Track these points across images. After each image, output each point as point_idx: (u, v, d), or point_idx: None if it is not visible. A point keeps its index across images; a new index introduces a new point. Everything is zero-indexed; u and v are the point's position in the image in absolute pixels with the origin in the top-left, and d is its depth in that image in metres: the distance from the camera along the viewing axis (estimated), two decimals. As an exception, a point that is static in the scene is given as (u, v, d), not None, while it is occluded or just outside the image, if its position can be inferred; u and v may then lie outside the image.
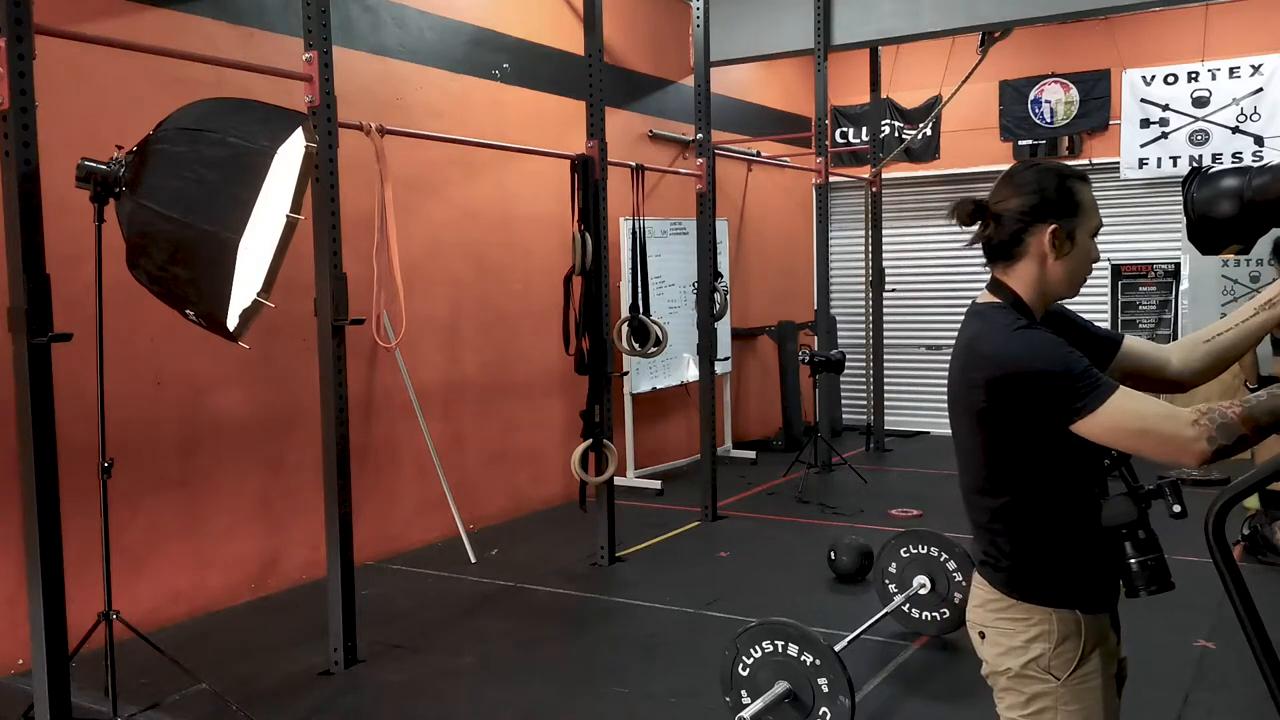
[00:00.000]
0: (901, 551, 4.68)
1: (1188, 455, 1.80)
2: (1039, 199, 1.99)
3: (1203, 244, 2.12)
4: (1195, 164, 9.01)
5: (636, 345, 6.56)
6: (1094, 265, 2.06)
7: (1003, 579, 2.04)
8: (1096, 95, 9.54)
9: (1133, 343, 2.16)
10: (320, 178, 4.34)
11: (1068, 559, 2.01)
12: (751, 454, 9.29)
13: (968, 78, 8.35)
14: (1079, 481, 1.98)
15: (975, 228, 2.06)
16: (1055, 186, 1.99)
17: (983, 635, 2.10)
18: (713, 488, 7.04)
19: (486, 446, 6.99)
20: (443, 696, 4.22)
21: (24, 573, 3.53)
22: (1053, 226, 1.98)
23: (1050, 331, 1.97)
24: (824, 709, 3.41)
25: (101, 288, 3.57)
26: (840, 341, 9.80)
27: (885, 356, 9.80)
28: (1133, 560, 1.93)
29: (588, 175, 5.79)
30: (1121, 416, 1.83)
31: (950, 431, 2.12)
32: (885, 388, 9.84)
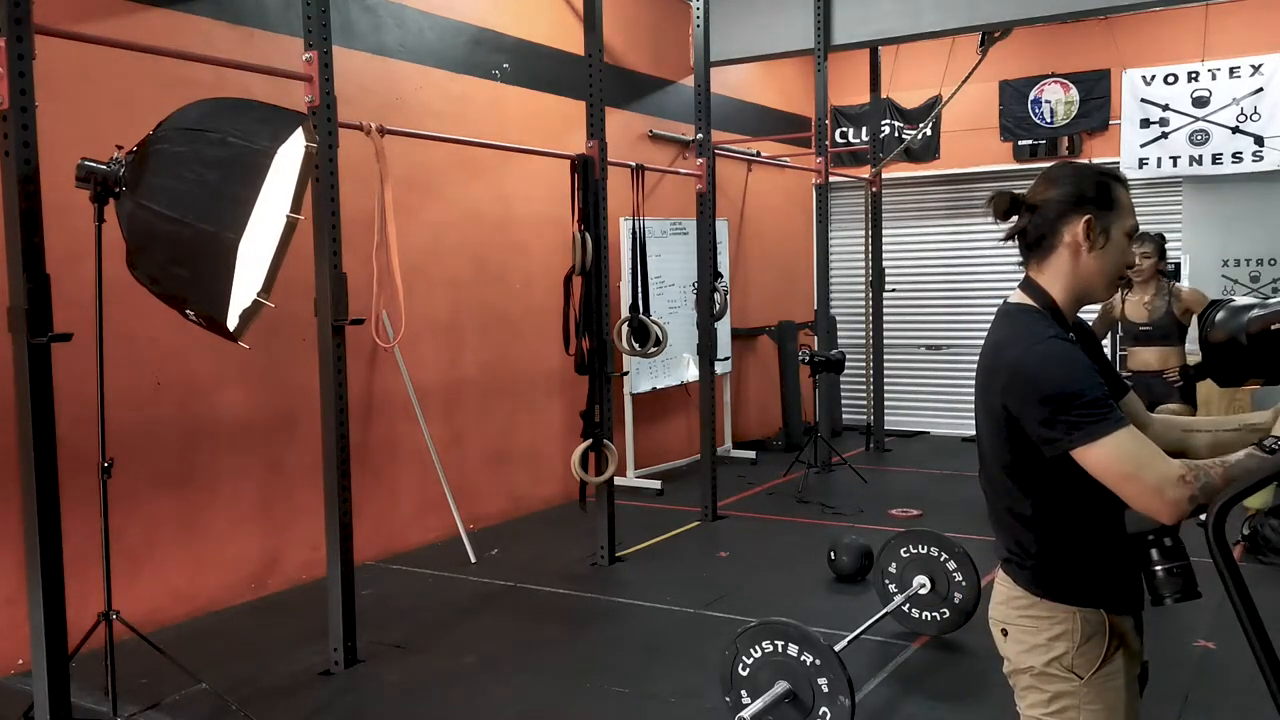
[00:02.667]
0: (901, 551, 4.69)
1: (1165, 509, 1.81)
2: (1076, 191, 2.01)
3: (1221, 376, 2.07)
4: (1195, 163, 9.02)
5: (636, 345, 6.56)
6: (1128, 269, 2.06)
7: (1027, 576, 2.04)
8: (1096, 95, 9.54)
9: (1132, 396, 2.17)
10: (320, 178, 4.34)
11: (1093, 558, 2.00)
12: (751, 454, 9.29)
13: (968, 78, 8.35)
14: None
15: (1009, 224, 2.08)
16: (1093, 182, 2.01)
17: (1005, 632, 2.09)
18: (713, 488, 7.04)
19: (486, 446, 6.99)
20: (443, 696, 4.22)
21: (24, 573, 3.53)
22: (1087, 216, 1.99)
23: (1079, 347, 1.96)
24: (824, 709, 3.41)
25: (101, 288, 3.57)
26: (840, 341, 9.79)
27: (885, 356, 9.78)
28: (1159, 567, 1.92)
29: (588, 175, 5.79)
30: (1118, 455, 1.83)
31: (975, 431, 2.13)
32: (885, 388, 9.82)
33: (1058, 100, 9.72)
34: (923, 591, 4.61)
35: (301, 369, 5.38)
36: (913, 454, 9.40)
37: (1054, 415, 1.87)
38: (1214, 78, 8.95)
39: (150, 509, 5.00)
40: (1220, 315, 2.04)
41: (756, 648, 3.52)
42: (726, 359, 9.01)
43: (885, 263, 9.63)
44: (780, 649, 3.48)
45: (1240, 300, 2.07)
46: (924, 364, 10.56)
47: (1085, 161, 2.09)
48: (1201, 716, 3.89)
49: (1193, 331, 5.33)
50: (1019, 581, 2.05)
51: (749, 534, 6.76)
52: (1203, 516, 1.82)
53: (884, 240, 9.71)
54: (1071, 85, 9.64)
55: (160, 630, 4.80)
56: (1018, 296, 2.08)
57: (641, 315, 6.54)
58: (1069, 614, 1.98)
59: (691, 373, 8.45)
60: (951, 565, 4.55)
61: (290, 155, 3.52)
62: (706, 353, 6.95)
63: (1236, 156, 8.89)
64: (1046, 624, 2.00)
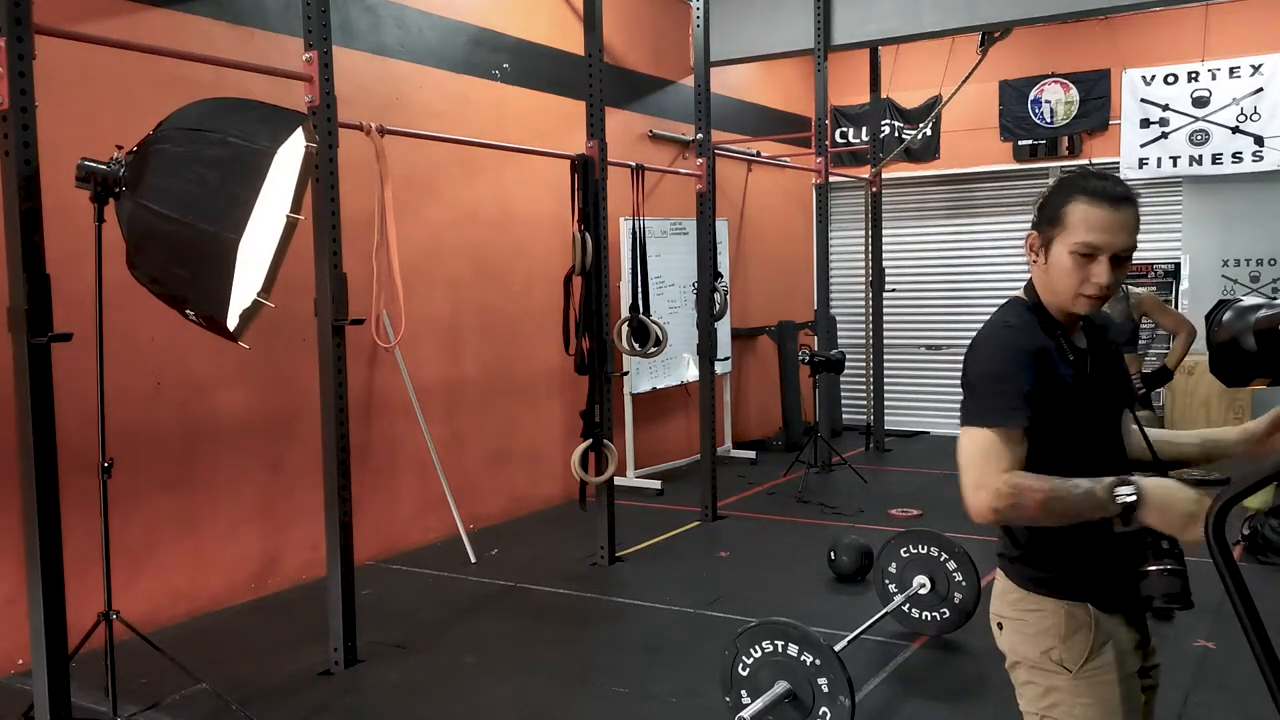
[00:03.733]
0: (901, 551, 4.69)
1: (971, 508, 1.92)
2: (1041, 201, 2.05)
3: (1227, 375, 2.06)
4: (1195, 163, 9.02)
5: (636, 345, 6.56)
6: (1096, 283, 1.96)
7: (1017, 570, 2.08)
8: (1096, 95, 9.54)
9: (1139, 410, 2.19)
10: (320, 178, 4.34)
11: (1078, 552, 2.01)
12: (751, 454, 9.29)
13: (968, 78, 8.35)
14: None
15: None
16: (1051, 194, 2.03)
17: (1001, 626, 2.13)
18: (713, 488, 7.04)
19: (486, 446, 6.99)
20: (443, 696, 4.22)
21: (24, 573, 3.53)
22: (1031, 233, 2.06)
23: (1029, 341, 1.98)
24: (824, 709, 3.41)
25: (101, 288, 3.57)
26: (840, 341, 9.79)
27: (885, 356, 9.78)
28: (1151, 569, 1.92)
29: (588, 175, 5.79)
30: (970, 447, 1.94)
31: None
32: (885, 388, 9.82)
33: (1058, 100, 9.72)
34: (923, 591, 4.61)
35: (301, 369, 5.38)
36: (913, 454, 9.39)
37: (967, 393, 1.98)
38: (1214, 78, 8.95)
39: (150, 509, 5.00)
40: (1227, 315, 2.04)
41: (756, 648, 3.52)
42: (726, 359, 9.01)
43: (885, 263, 9.63)
44: (780, 649, 3.48)
45: (1248, 300, 2.06)
46: (924, 364, 10.56)
47: (1087, 167, 2.10)
48: (1202, 716, 3.89)
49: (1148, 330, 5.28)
50: (1010, 576, 2.10)
51: (749, 534, 6.76)
52: None
53: (884, 240, 9.71)
54: (1071, 85, 9.64)
55: (160, 630, 4.80)
56: (1019, 291, 2.15)
57: (641, 315, 6.54)
58: (1055, 607, 2.02)
59: (691, 373, 8.45)
60: (951, 565, 4.55)
61: (290, 155, 3.52)
62: (706, 353, 6.95)
63: (1236, 156, 8.89)
64: (1035, 617, 2.04)
